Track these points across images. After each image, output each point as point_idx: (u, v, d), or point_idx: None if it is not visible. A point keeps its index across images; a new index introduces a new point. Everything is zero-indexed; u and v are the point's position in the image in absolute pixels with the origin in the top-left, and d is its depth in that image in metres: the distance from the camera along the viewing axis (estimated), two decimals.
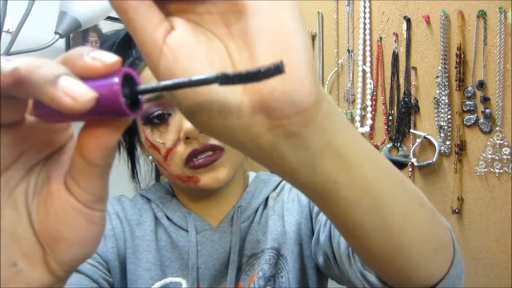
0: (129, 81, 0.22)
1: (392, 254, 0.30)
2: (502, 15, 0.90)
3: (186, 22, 0.24)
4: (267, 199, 0.66)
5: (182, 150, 0.55)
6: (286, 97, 0.22)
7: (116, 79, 0.21)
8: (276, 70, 0.20)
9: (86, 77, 0.21)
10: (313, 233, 0.61)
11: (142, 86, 0.23)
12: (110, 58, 0.21)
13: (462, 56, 0.97)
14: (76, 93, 0.20)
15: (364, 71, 1.18)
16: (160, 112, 0.55)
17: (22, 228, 0.24)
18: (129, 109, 0.22)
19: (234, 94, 0.23)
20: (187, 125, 0.53)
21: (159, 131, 0.56)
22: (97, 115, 0.22)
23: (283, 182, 0.69)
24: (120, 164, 0.70)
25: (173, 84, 0.21)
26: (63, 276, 0.25)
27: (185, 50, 0.23)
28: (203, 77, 0.21)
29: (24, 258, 0.24)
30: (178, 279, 0.58)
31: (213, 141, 0.55)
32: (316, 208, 0.60)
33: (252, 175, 0.70)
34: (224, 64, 0.23)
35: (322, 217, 0.56)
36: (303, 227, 0.61)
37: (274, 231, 0.61)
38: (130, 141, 0.69)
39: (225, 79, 0.20)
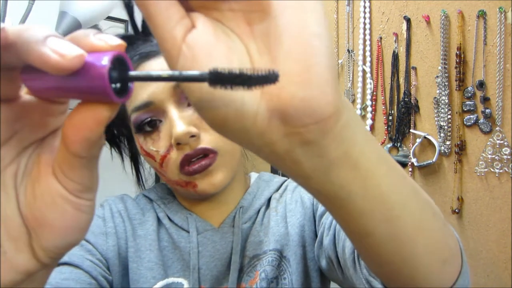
0: (123, 67, 0.22)
1: (401, 264, 0.30)
2: (502, 15, 0.90)
3: (207, 19, 0.23)
4: (269, 199, 0.65)
5: (176, 156, 0.55)
6: (305, 105, 0.21)
7: (107, 57, 0.21)
8: (269, 79, 0.19)
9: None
10: (316, 235, 0.61)
11: (133, 73, 0.22)
12: (115, 41, 0.21)
13: (462, 56, 0.97)
14: (64, 50, 0.20)
15: (364, 71, 1.18)
16: (149, 118, 0.55)
17: (10, 209, 0.23)
18: (117, 94, 0.21)
19: (252, 97, 0.22)
20: (176, 130, 0.52)
21: (152, 139, 0.56)
22: (83, 93, 0.22)
23: (286, 182, 0.69)
24: (124, 164, 0.71)
25: (164, 76, 0.21)
26: (48, 262, 0.25)
27: (204, 49, 0.22)
28: (194, 73, 0.20)
29: (10, 240, 0.23)
30: (180, 280, 0.58)
31: (205, 145, 0.54)
32: (319, 211, 0.60)
33: (254, 175, 0.70)
34: (243, 64, 0.23)
35: (326, 220, 0.56)
36: (306, 229, 0.61)
37: (276, 232, 0.61)
38: (132, 150, 0.69)
39: (215, 79, 0.20)
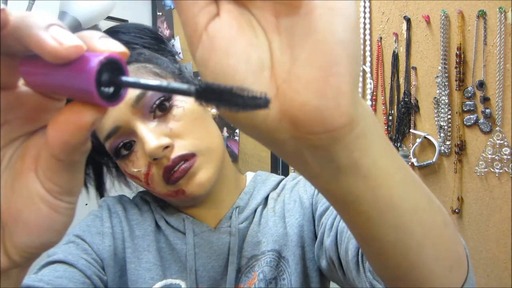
0: (119, 72, 0.22)
1: (408, 269, 0.30)
2: (502, 15, 0.90)
3: (234, 7, 0.22)
4: (266, 199, 0.65)
5: (157, 171, 0.55)
6: (317, 114, 0.21)
7: (99, 57, 0.20)
8: (259, 104, 0.19)
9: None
10: (315, 235, 0.61)
11: (125, 78, 0.22)
12: (119, 47, 0.21)
13: (462, 56, 0.97)
14: (63, 38, 0.19)
15: (364, 71, 1.18)
16: (122, 143, 0.55)
17: None
18: (108, 98, 0.21)
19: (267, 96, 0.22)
20: (149, 146, 0.52)
21: (131, 161, 0.56)
22: (73, 89, 0.21)
23: (284, 181, 0.68)
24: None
25: (153, 85, 0.21)
26: (20, 261, 0.24)
27: (224, 43, 0.21)
28: (182, 87, 0.20)
29: None
30: (177, 281, 0.58)
31: (181, 151, 0.54)
32: (318, 211, 0.59)
33: (250, 175, 0.70)
34: (262, 63, 0.22)
35: (326, 220, 0.55)
36: (305, 229, 0.61)
37: (275, 233, 0.60)
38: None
39: (201, 97, 0.19)
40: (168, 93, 0.21)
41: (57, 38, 0.19)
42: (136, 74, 0.56)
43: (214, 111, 0.64)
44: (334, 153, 0.23)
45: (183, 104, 0.56)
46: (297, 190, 0.65)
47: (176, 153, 0.54)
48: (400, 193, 0.26)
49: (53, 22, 0.20)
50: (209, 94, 0.19)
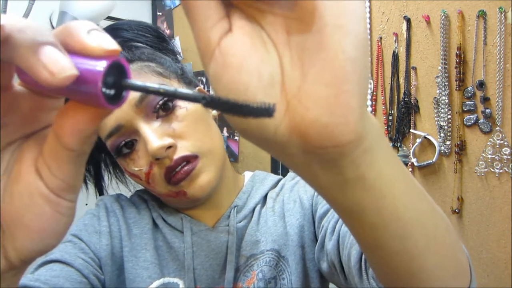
0: (119, 71, 0.21)
1: (411, 278, 0.30)
2: (502, 15, 0.90)
3: (246, 22, 0.22)
4: (265, 198, 0.65)
5: (158, 171, 0.55)
6: (327, 130, 0.21)
7: (101, 67, 0.20)
8: (265, 112, 0.19)
9: (75, 52, 0.20)
10: (315, 236, 0.60)
11: (128, 81, 0.21)
12: (110, 45, 0.20)
13: (462, 56, 0.97)
14: (55, 67, 0.18)
15: None
16: (124, 141, 0.55)
17: None
18: (111, 99, 0.21)
19: (276, 111, 0.22)
20: (151, 146, 0.52)
21: (132, 160, 0.56)
22: (74, 94, 0.21)
23: (283, 181, 0.68)
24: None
25: (160, 91, 0.21)
26: (19, 265, 0.24)
27: (237, 60, 0.22)
28: (190, 93, 0.20)
29: None
30: (175, 280, 0.58)
31: (184, 152, 0.54)
32: (318, 213, 0.59)
33: (248, 174, 0.70)
34: (273, 79, 0.22)
35: (327, 223, 0.55)
36: (306, 230, 0.61)
37: (274, 232, 0.60)
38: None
39: (209, 103, 0.20)
40: (176, 98, 0.21)
41: (48, 67, 0.18)
42: (139, 73, 0.56)
43: (215, 112, 0.63)
44: (341, 167, 0.23)
45: (186, 104, 0.56)
46: (297, 190, 0.65)
47: (178, 153, 0.54)
48: (404, 203, 0.27)
49: (44, 40, 0.19)
50: (216, 103, 0.20)
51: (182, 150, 0.54)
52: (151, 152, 0.52)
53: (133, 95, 0.53)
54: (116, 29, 0.60)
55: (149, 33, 0.62)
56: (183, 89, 0.21)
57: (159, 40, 0.63)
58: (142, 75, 0.56)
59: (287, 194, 0.65)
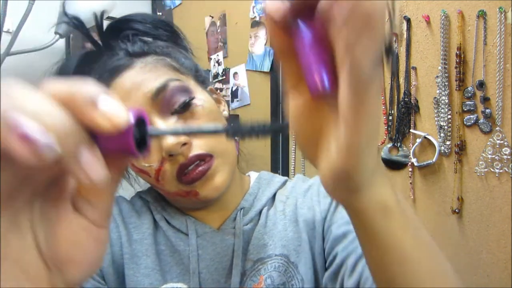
0: (139, 122, 0.23)
1: None
2: (502, 15, 0.90)
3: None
4: (272, 200, 0.63)
5: (170, 168, 0.53)
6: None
7: (130, 129, 0.22)
8: (281, 129, 0.23)
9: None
10: (323, 250, 0.58)
11: (153, 131, 0.24)
12: (122, 119, 0.21)
13: (462, 56, 0.97)
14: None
15: None
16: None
17: (29, 255, 0.23)
18: (137, 147, 0.23)
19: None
20: (166, 141, 0.50)
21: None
22: (108, 144, 0.23)
23: (291, 183, 0.66)
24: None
25: (183, 131, 0.24)
26: None
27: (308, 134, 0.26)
28: (212, 128, 0.24)
29: (29, 280, 0.23)
30: (179, 285, 0.56)
31: (198, 151, 0.52)
32: (334, 234, 0.56)
33: (253, 175, 0.68)
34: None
35: (346, 255, 0.53)
36: (316, 241, 0.59)
37: (284, 236, 0.58)
38: None
39: (230, 133, 0.23)
40: (200, 135, 0.23)
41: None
42: (155, 66, 0.54)
43: (225, 113, 0.62)
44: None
45: (201, 102, 0.55)
46: (310, 197, 0.63)
47: (193, 151, 0.52)
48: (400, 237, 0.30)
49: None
50: (235, 132, 0.23)
51: (197, 148, 0.52)
52: (166, 148, 0.50)
53: (149, 88, 0.52)
54: (129, 20, 0.59)
55: (163, 28, 0.60)
56: (206, 125, 0.22)
57: (174, 36, 0.61)
58: (157, 69, 0.54)
59: (300, 199, 0.63)
